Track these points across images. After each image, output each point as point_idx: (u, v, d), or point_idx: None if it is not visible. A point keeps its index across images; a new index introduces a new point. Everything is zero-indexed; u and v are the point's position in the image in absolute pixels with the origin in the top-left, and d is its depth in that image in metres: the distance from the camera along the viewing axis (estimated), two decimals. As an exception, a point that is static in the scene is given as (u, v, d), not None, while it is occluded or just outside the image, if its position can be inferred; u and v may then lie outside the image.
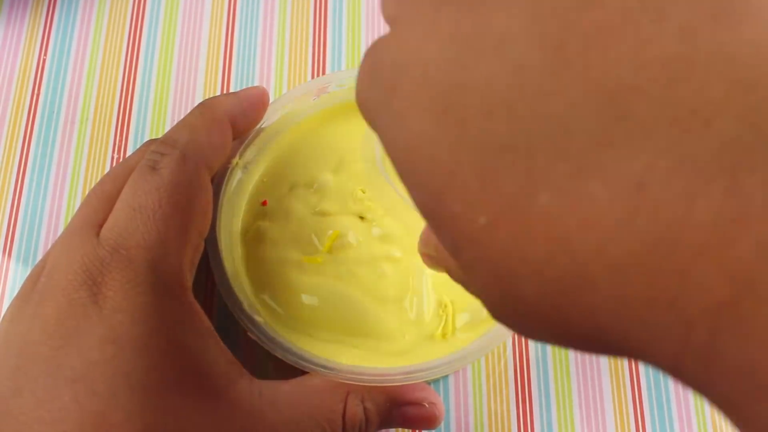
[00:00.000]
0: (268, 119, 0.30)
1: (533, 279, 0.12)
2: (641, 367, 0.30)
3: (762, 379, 0.10)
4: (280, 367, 0.29)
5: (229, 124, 0.28)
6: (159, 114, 0.35)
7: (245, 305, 0.27)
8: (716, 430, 0.29)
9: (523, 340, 0.31)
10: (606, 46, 0.11)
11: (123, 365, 0.23)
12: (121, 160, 0.34)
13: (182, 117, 0.28)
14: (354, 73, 0.31)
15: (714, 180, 0.10)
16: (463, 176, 0.12)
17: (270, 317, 0.28)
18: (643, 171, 0.11)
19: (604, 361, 0.30)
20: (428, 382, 0.28)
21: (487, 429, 0.30)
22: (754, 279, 0.10)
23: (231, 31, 0.37)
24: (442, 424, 0.29)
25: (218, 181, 0.28)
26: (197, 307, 0.25)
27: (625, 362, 0.30)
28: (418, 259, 0.28)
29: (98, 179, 0.30)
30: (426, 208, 0.14)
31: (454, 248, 0.13)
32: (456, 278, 0.18)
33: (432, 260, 0.20)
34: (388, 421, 0.26)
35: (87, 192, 0.32)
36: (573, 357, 0.31)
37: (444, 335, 0.28)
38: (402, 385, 0.26)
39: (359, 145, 0.30)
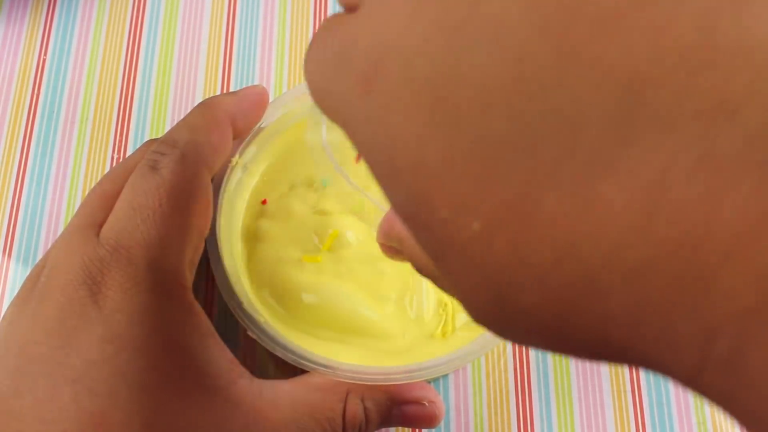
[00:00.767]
0: (268, 118, 0.30)
1: (534, 287, 0.11)
2: (641, 366, 0.30)
3: None
4: (280, 366, 0.29)
5: (230, 124, 0.28)
6: (159, 114, 0.35)
7: (245, 304, 0.27)
8: (716, 430, 0.29)
9: (523, 339, 0.31)
10: (616, 34, 0.10)
11: (123, 365, 0.23)
12: (121, 160, 0.34)
13: (182, 117, 0.28)
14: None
15: (741, 177, 0.09)
16: (454, 179, 0.11)
17: (270, 316, 0.28)
18: (662, 169, 0.10)
19: (604, 361, 0.30)
20: (428, 381, 0.28)
21: (486, 428, 0.30)
22: None
23: (231, 31, 0.37)
24: (442, 423, 0.29)
25: (218, 180, 0.28)
26: (197, 306, 0.25)
27: (626, 362, 0.30)
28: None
29: (98, 179, 0.30)
30: (406, 212, 0.13)
31: (437, 254, 0.12)
32: (424, 273, 0.16)
33: (394, 252, 0.18)
34: (388, 419, 0.26)
35: (87, 192, 0.32)
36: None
37: (444, 334, 0.28)
38: (402, 384, 0.26)
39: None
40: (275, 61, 0.36)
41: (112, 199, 0.26)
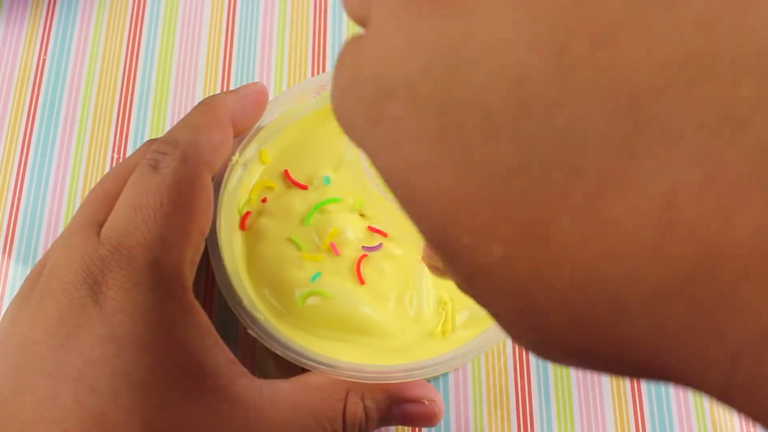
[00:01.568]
0: (268, 117, 0.30)
1: (559, 310, 0.11)
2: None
3: None
4: (280, 364, 0.29)
5: (230, 123, 0.28)
6: (159, 114, 0.35)
7: (245, 302, 0.27)
8: (716, 430, 0.29)
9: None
10: (615, 46, 0.10)
11: (123, 364, 0.23)
12: (121, 160, 0.34)
13: (182, 117, 0.28)
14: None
15: (751, 194, 0.09)
16: (472, 205, 0.11)
17: (270, 314, 0.28)
18: (670, 187, 0.09)
19: (604, 360, 0.31)
20: (428, 380, 0.28)
21: (486, 426, 0.30)
22: None
23: (231, 31, 0.37)
24: (442, 422, 0.29)
25: (218, 178, 0.29)
26: (198, 306, 0.25)
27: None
28: (418, 257, 0.29)
29: (98, 179, 0.30)
30: (432, 239, 0.12)
31: (465, 279, 0.12)
32: (468, 294, 0.17)
33: (440, 272, 0.19)
34: (388, 418, 0.26)
35: (87, 192, 0.33)
36: (573, 355, 0.31)
37: (444, 333, 0.28)
38: (402, 383, 0.26)
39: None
40: (275, 60, 0.36)
41: (112, 198, 0.26)
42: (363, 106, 0.12)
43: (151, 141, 0.29)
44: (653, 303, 0.10)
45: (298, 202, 0.29)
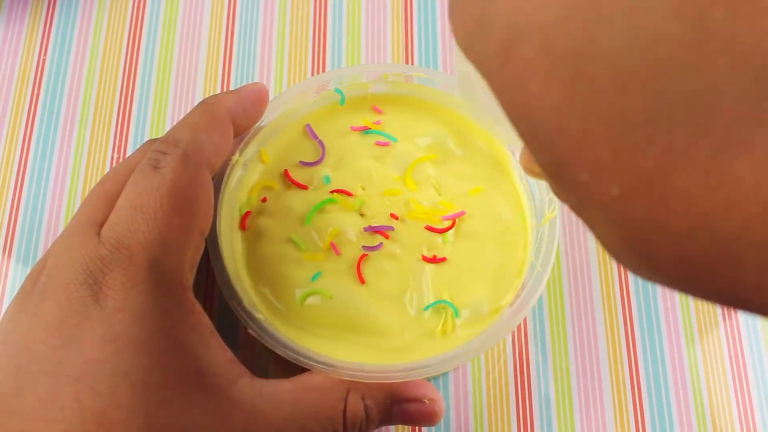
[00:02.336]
0: (268, 116, 0.30)
1: (671, 250, 0.12)
2: (641, 367, 0.30)
3: None
4: (280, 364, 0.29)
5: (230, 123, 0.28)
6: (159, 114, 0.35)
7: (245, 302, 0.27)
8: (716, 430, 0.29)
9: (523, 339, 0.31)
10: (751, 16, 0.10)
11: (124, 364, 0.23)
12: (121, 160, 0.34)
13: (182, 117, 0.28)
14: (354, 71, 0.31)
15: None
16: (594, 147, 0.12)
17: (270, 314, 0.28)
18: None
19: (604, 361, 0.31)
20: (428, 379, 0.28)
21: (486, 425, 0.30)
22: None
23: (231, 31, 0.37)
24: (442, 421, 0.29)
25: (218, 178, 0.29)
26: (198, 306, 0.25)
27: (625, 362, 0.31)
28: (418, 256, 0.29)
29: (98, 179, 0.30)
30: (548, 171, 0.13)
31: (578, 208, 0.13)
32: (563, 199, 0.16)
33: (535, 174, 0.19)
34: (388, 417, 0.26)
35: (87, 192, 0.33)
36: (573, 357, 0.31)
37: (444, 332, 0.28)
38: (402, 382, 0.26)
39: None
40: (275, 60, 0.36)
41: (113, 198, 0.26)
42: (491, 44, 0.13)
43: (151, 141, 0.29)
44: (764, 251, 0.11)
45: (298, 201, 0.29)
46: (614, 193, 0.12)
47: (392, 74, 0.31)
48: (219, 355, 0.25)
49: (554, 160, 0.13)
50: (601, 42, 0.11)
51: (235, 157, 0.29)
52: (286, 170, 0.30)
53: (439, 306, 0.28)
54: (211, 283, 0.32)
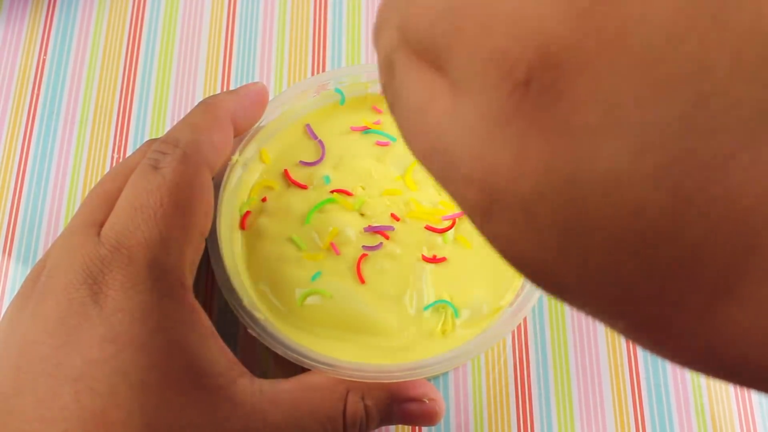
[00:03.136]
0: (268, 116, 0.30)
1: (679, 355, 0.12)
2: (641, 367, 0.30)
3: None
4: (280, 364, 0.29)
5: (230, 123, 0.28)
6: (159, 114, 0.35)
7: (245, 302, 0.27)
8: (716, 430, 0.29)
9: (523, 339, 0.31)
10: (727, 179, 0.10)
11: (123, 364, 0.23)
12: (121, 160, 0.34)
13: (182, 116, 0.28)
14: (354, 71, 0.31)
15: None
16: (592, 296, 0.12)
17: (270, 314, 0.28)
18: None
19: (604, 361, 0.30)
20: (428, 379, 0.28)
21: (486, 425, 0.30)
22: None
23: (231, 31, 0.37)
24: (442, 421, 0.29)
25: (218, 178, 0.29)
26: (198, 306, 0.25)
27: (625, 362, 0.30)
28: (418, 256, 0.29)
29: (98, 179, 0.30)
30: (551, 292, 0.13)
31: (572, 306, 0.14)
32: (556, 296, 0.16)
33: None
34: (388, 417, 0.26)
35: (87, 192, 0.33)
36: (573, 357, 0.31)
37: (444, 332, 0.28)
38: (402, 382, 0.26)
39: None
40: (275, 60, 0.36)
41: (113, 198, 0.26)
42: (470, 199, 0.13)
43: (151, 141, 0.29)
44: None
45: (298, 201, 0.29)
46: (620, 326, 0.12)
47: (392, 74, 0.31)
48: (219, 355, 0.25)
49: (554, 291, 0.13)
50: (585, 215, 0.11)
51: (235, 157, 0.29)
52: (286, 170, 0.30)
53: (439, 306, 0.28)
54: (211, 283, 0.32)
